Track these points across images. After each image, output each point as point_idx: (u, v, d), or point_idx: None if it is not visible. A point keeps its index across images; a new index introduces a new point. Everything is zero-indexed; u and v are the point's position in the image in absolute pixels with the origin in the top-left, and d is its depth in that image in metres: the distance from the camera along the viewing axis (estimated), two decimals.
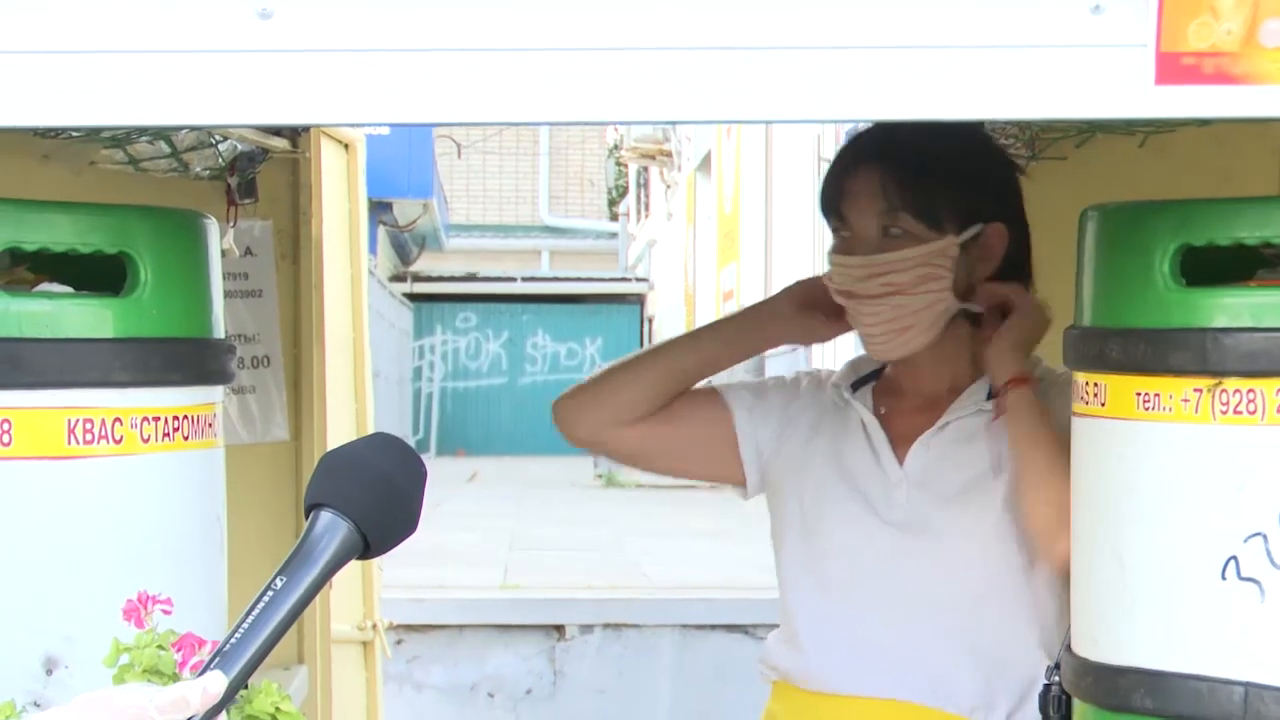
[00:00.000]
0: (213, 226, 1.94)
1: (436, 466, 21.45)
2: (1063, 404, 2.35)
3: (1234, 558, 1.79)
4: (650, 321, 28.50)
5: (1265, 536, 1.77)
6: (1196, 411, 1.80)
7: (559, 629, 6.30)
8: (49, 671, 1.73)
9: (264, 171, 3.27)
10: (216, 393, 1.92)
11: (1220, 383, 1.79)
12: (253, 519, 2.97)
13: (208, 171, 3.10)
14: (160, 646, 1.64)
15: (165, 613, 1.64)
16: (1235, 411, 1.78)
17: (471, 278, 27.55)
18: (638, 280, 29.16)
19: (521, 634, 6.21)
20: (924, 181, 2.41)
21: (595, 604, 6.45)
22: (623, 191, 32.26)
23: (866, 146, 2.47)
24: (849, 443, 2.52)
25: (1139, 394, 1.85)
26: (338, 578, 3.78)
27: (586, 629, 6.25)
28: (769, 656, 2.57)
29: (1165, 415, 1.82)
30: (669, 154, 25.65)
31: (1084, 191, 2.33)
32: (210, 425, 1.88)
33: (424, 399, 24.46)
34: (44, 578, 1.74)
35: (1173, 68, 1.55)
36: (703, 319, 20.72)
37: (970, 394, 2.48)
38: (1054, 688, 2.08)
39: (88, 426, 1.74)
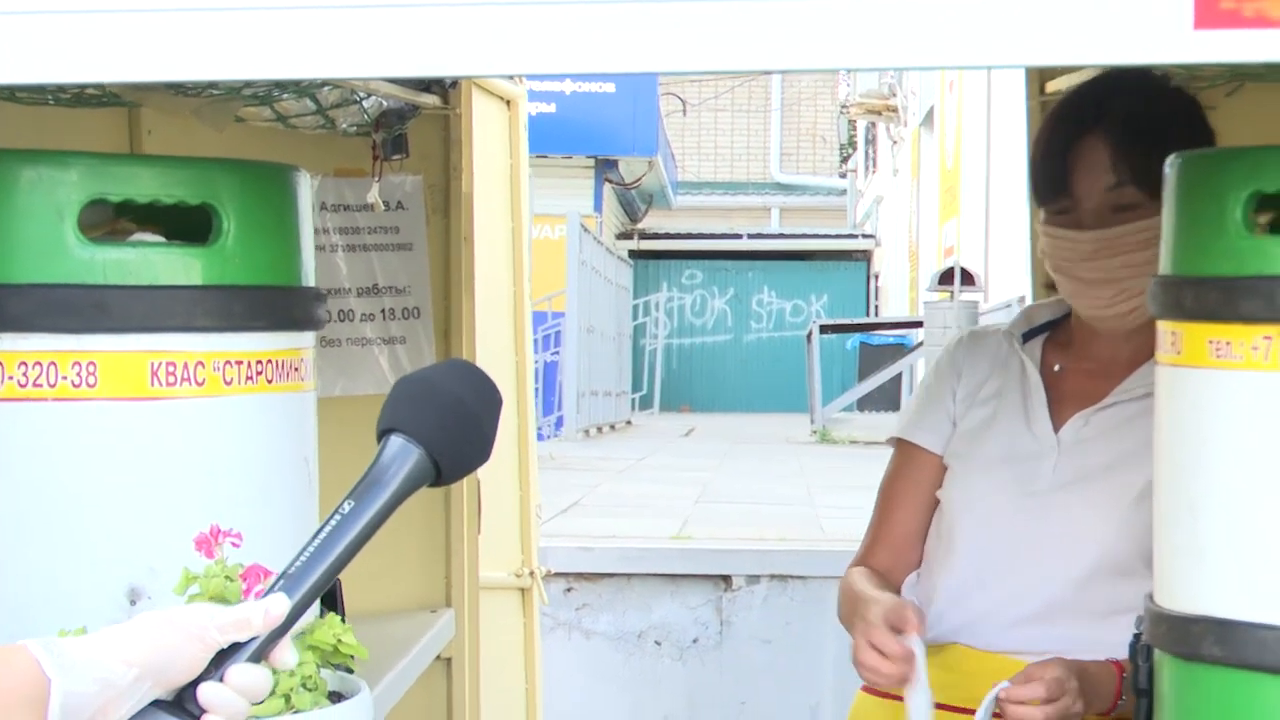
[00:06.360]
0: (303, 179, 2.01)
1: (657, 422, 21.58)
2: None
3: None
4: (877, 278, 28.33)
5: None
6: (1266, 359, 1.79)
7: (726, 579, 6.34)
8: (133, 602, 1.83)
9: (416, 128, 3.33)
10: (305, 338, 1.98)
11: None
12: None
13: (354, 128, 3.17)
14: (228, 577, 1.73)
15: (234, 545, 1.73)
16: None
17: (697, 235, 27.66)
18: (864, 237, 29.00)
19: (689, 584, 6.27)
20: (1145, 149, 2.29)
21: (762, 555, 6.45)
22: (853, 148, 32.06)
23: (1085, 114, 2.35)
24: (1006, 398, 2.48)
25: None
26: (493, 525, 3.86)
27: (753, 579, 6.28)
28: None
29: (1236, 363, 1.81)
30: (895, 109, 25.43)
31: (1234, 142, 2.26)
32: (296, 369, 1.95)
33: (647, 355, 24.60)
34: (129, 512, 1.84)
35: (1211, 11, 1.54)
36: (925, 276, 20.52)
37: (1143, 373, 2.40)
38: (1142, 637, 2.07)
39: (170, 369, 1.83)
